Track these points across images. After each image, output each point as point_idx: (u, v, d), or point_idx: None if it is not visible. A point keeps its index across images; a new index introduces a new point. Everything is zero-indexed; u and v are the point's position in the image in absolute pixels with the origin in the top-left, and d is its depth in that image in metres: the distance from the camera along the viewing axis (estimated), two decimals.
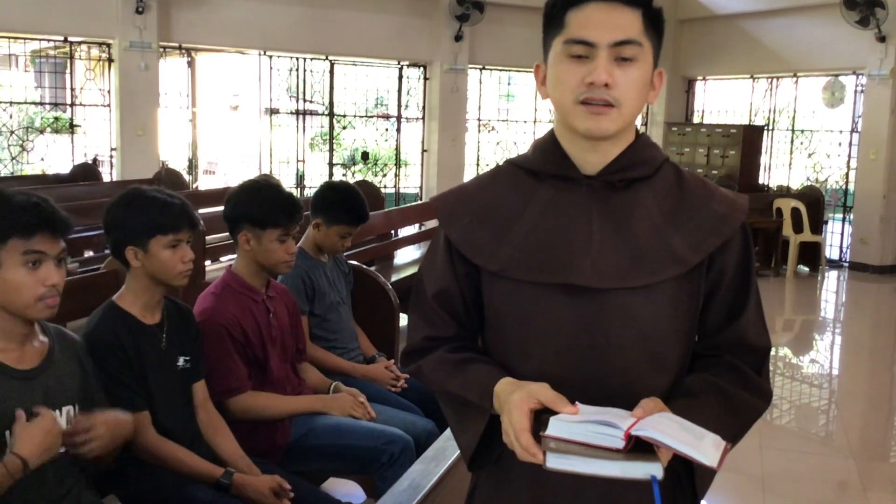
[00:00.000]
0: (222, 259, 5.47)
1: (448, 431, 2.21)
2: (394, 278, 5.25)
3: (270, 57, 9.75)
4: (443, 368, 1.30)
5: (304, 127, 10.22)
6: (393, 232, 6.70)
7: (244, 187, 2.72)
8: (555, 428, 1.12)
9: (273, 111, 9.97)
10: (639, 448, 1.11)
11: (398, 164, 10.93)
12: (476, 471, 1.38)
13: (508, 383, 1.20)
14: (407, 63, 10.54)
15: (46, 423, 1.68)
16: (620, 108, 1.22)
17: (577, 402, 1.18)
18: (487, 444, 1.30)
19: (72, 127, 9.13)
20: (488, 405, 1.21)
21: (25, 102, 9.89)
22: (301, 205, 2.71)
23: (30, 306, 1.73)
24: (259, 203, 2.61)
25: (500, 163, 1.43)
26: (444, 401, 1.35)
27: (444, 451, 2.12)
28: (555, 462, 1.10)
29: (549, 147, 1.32)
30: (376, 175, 10.88)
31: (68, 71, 9.10)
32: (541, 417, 1.15)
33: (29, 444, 1.64)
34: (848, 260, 9.89)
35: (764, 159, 10.58)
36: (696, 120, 11.59)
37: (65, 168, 8.73)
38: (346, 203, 3.16)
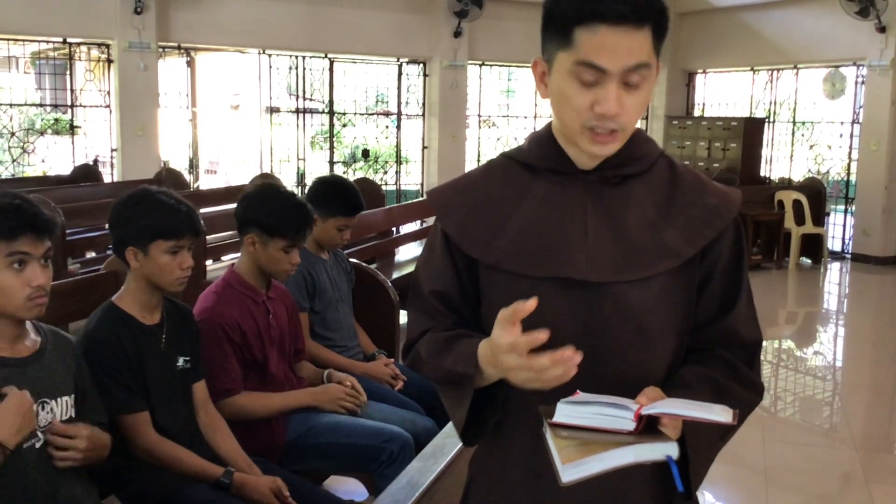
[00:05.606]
0: (224, 258, 5.48)
1: (447, 428, 2.22)
2: (394, 275, 5.25)
3: (270, 56, 9.75)
4: (435, 348, 1.30)
5: (304, 125, 10.22)
6: (394, 229, 6.70)
7: (261, 191, 2.72)
8: (562, 413, 1.12)
9: (273, 110, 9.97)
10: (647, 432, 1.11)
11: (399, 161, 10.93)
12: (470, 445, 1.38)
13: (485, 341, 1.20)
14: (406, 60, 10.53)
15: (15, 400, 1.65)
16: (625, 130, 1.23)
17: (577, 391, 1.18)
18: (479, 418, 1.30)
19: (72, 128, 9.15)
20: (473, 371, 1.21)
21: (26, 104, 9.92)
22: (311, 219, 2.72)
23: (20, 307, 1.75)
24: (271, 211, 2.61)
25: (495, 156, 1.43)
26: (440, 384, 1.34)
27: (443, 448, 2.12)
28: (570, 475, 1.08)
29: (545, 142, 1.32)
30: (377, 172, 10.88)
31: (68, 72, 9.10)
32: (547, 406, 1.15)
33: (1, 426, 1.62)
34: (850, 251, 9.87)
35: (765, 152, 10.57)
36: (696, 113, 11.57)
37: (66, 169, 8.75)
38: (340, 194, 3.18)
